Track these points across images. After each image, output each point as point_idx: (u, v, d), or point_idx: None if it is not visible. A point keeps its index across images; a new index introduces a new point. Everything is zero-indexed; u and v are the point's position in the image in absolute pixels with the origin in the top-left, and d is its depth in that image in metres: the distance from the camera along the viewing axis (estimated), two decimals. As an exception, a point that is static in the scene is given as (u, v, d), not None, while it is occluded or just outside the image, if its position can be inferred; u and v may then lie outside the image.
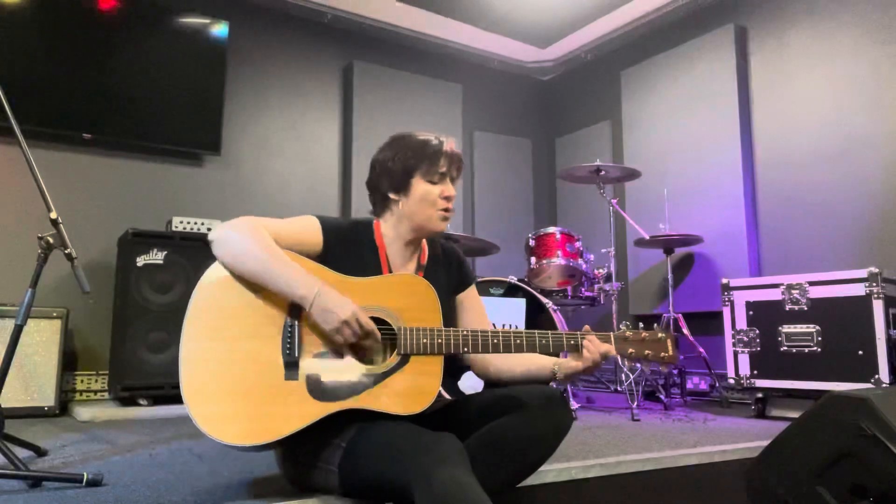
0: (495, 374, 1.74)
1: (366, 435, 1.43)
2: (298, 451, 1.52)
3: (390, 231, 1.69)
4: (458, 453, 1.30)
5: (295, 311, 1.49)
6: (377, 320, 1.52)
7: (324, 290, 1.45)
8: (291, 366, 1.46)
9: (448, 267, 1.77)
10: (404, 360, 1.51)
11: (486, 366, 1.74)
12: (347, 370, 1.48)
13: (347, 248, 1.63)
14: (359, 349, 1.52)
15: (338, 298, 1.45)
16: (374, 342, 1.50)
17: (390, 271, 1.66)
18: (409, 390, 1.49)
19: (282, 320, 1.48)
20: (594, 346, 1.56)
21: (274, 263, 1.47)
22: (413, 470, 1.27)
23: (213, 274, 1.51)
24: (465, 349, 1.54)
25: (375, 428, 1.43)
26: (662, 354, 1.62)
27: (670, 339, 1.63)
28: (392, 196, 1.67)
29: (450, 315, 1.73)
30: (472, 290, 1.82)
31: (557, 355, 1.64)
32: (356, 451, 1.43)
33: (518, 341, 1.56)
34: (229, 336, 1.45)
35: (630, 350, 1.62)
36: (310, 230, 1.60)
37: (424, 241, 1.76)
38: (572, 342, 1.58)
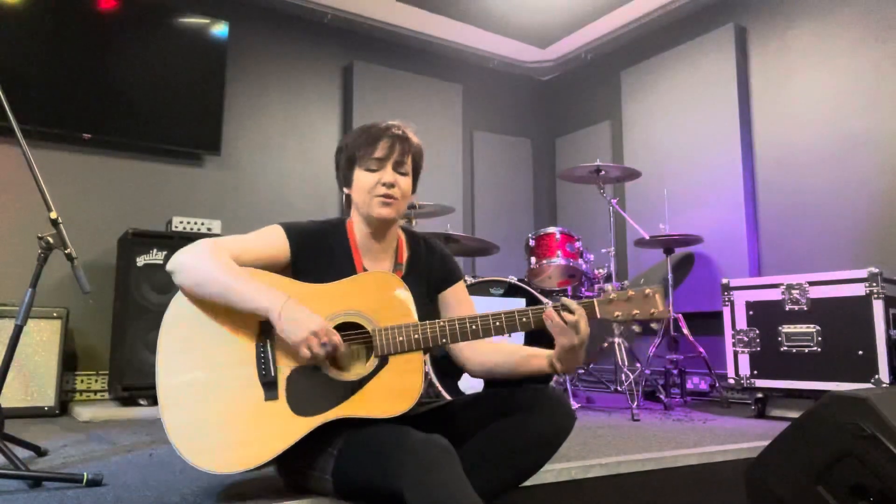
0: (496, 375, 1.67)
1: (354, 442, 1.41)
2: (293, 461, 1.50)
3: (357, 229, 1.65)
4: (447, 454, 1.27)
5: (265, 330, 1.47)
6: (351, 325, 1.49)
7: (291, 303, 1.41)
8: (270, 386, 1.43)
9: (430, 264, 1.72)
10: (383, 361, 1.47)
11: (483, 370, 1.67)
12: (327, 381, 1.45)
13: (317, 252, 1.60)
14: (336, 358, 1.49)
15: (306, 311, 1.41)
16: (344, 350, 1.45)
17: (365, 270, 1.62)
18: (392, 391, 1.45)
19: (253, 342, 1.47)
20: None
21: (235, 282, 1.43)
22: (404, 476, 1.25)
23: (177, 307, 1.50)
24: (444, 340, 1.49)
25: (363, 434, 1.41)
26: (652, 311, 1.50)
27: (658, 294, 1.51)
28: (345, 190, 1.66)
29: (433, 314, 1.69)
30: (459, 286, 1.74)
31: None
32: (347, 460, 1.41)
33: (497, 323, 1.49)
34: (204, 367, 1.44)
35: (616, 313, 1.50)
36: (274, 240, 1.57)
37: (402, 237, 1.72)
38: None
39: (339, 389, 1.45)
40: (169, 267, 1.49)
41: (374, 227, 1.63)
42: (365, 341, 1.50)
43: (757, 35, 4.30)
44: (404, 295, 1.53)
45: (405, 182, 1.61)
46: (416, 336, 1.48)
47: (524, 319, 1.49)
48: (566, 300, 1.49)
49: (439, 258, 1.74)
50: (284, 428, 1.41)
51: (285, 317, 1.40)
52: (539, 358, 1.56)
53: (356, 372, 1.48)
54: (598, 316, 1.50)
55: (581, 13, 4.92)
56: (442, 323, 1.50)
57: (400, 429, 1.36)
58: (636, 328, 1.58)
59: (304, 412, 1.42)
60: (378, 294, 1.52)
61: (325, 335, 1.40)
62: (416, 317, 1.52)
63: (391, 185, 1.58)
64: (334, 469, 1.43)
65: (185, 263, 1.47)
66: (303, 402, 1.43)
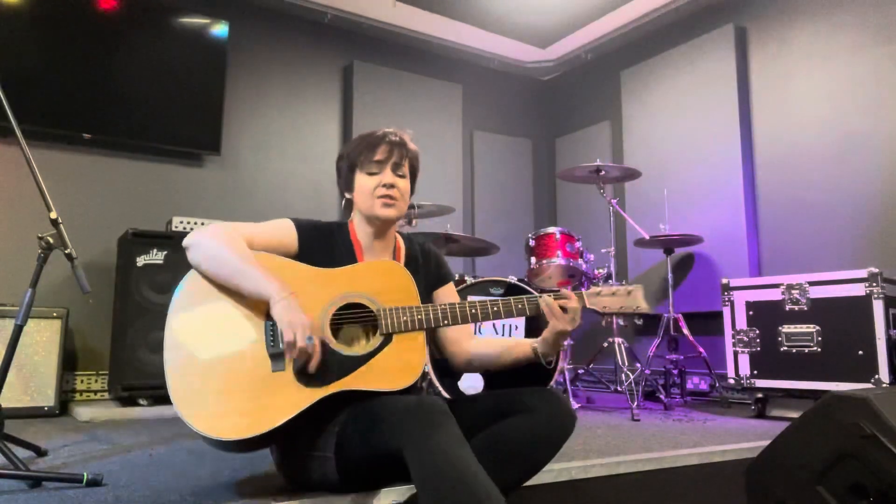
0: (479, 366, 1.79)
1: (356, 411, 1.46)
2: (294, 443, 1.54)
3: (359, 229, 1.74)
4: (445, 414, 1.33)
5: None
6: (356, 305, 1.57)
7: (286, 302, 1.45)
8: (277, 357, 1.48)
9: (426, 266, 1.82)
10: (387, 339, 1.55)
11: (468, 361, 1.77)
12: (333, 355, 1.50)
13: (322, 249, 1.68)
14: (342, 335, 1.56)
15: (298, 313, 1.44)
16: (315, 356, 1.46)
17: None
18: (395, 367, 1.53)
19: (262, 315, 1.51)
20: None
21: (245, 266, 1.49)
22: (403, 434, 1.30)
23: (190, 281, 1.54)
24: (446, 322, 1.58)
25: (365, 403, 1.46)
26: (636, 306, 1.69)
27: (640, 291, 1.69)
28: (347, 195, 1.75)
29: None
30: (449, 286, 1.85)
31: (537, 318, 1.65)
32: (348, 432, 1.46)
33: (496, 308, 1.61)
34: (212, 337, 1.49)
35: (604, 304, 1.66)
36: (284, 232, 1.65)
37: (400, 240, 1.81)
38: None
39: (345, 363, 1.50)
40: (185, 242, 1.55)
41: (377, 227, 1.72)
42: (370, 321, 1.57)
43: (757, 35, 4.31)
44: (407, 279, 1.62)
45: (404, 184, 1.72)
46: (420, 317, 1.57)
47: (520, 306, 1.61)
48: (563, 291, 1.64)
49: (434, 261, 1.85)
50: (290, 398, 1.45)
51: (283, 304, 1.45)
52: (522, 346, 1.69)
53: (361, 347, 1.54)
54: (587, 305, 1.65)
55: (581, 13, 4.92)
56: (444, 306, 1.59)
57: (399, 395, 1.43)
58: (622, 322, 1.76)
59: (309, 384, 1.47)
60: (382, 278, 1.61)
61: (303, 338, 1.42)
62: (419, 299, 1.61)
63: (391, 186, 1.67)
64: (336, 445, 1.47)
65: (201, 242, 1.54)
66: (309, 374, 1.46)
